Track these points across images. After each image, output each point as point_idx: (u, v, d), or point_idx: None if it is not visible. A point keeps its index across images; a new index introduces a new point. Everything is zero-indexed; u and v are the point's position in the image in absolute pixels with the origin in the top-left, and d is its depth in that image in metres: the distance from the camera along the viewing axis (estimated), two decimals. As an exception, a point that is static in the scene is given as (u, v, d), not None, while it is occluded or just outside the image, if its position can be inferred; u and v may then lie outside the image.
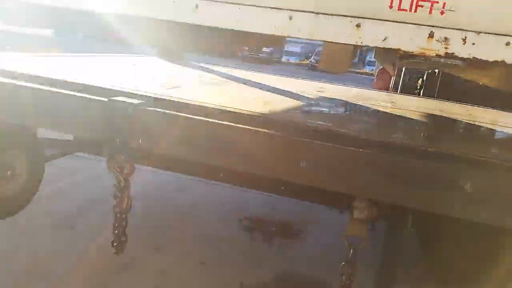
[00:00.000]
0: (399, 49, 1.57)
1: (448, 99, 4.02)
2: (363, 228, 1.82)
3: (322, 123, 1.83)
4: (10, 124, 2.11)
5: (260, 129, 1.67)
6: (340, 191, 1.64)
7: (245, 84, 3.08)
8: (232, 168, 1.74)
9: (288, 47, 34.49)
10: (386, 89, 6.34)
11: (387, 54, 1.69)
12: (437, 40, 1.53)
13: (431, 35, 1.55)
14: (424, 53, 1.56)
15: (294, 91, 2.97)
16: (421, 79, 4.95)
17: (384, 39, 1.56)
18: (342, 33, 1.57)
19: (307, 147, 1.59)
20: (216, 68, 4.15)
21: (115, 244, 1.95)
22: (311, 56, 32.31)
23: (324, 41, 1.60)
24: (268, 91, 2.85)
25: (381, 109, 2.67)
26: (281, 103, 2.34)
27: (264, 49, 29.25)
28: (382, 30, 1.55)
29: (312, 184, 1.63)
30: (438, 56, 1.54)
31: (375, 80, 7.05)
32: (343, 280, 1.88)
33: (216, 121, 1.71)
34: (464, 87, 4.77)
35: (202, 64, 4.26)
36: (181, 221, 3.70)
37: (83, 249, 3.05)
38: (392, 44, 1.56)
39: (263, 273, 3.04)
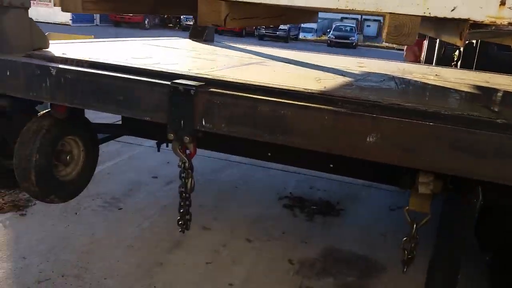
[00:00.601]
0: (468, 19, 1.53)
1: (485, 70, 3.91)
2: (426, 203, 1.81)
3: (385, 97, 1.81)
4: (66, 111, 2.17)
5: (323, 106, 1.67)
6: (407, 166, 1.64)
7: (285, 62, 3.06)
8: (295, 147, 1.75)
9: (304, 24, 33.83)
10: (417, 61, 6.22)
11: (454, 25, 1.65)
12: (510, 8, 1.48)
13: (502, 3, 1.49)
14: (494, 22, 1.51)
15: (337, 67, 2.94)
16: (458, 50, 4.82)
17: (453, 9, 1.52)
18: (409, 4, 1.53)
19: (374, 123, 1.58)
20: (243, 46, 4.13)
21: (180, 222, 2.01)
22: (329, 31, 31.64)
23: (390, 13, 1.57)
24: (312, 68, 2.83)
25: (430, 82, 2.62)
26: (332, 80, 2.32)
27: (281, 26, 28.76)
28: (450, 0, 1.51)
29: (379, 160, 1.62)
30: (510, 24, 1.49)
31: (405, 53, 6.92)
32: (405, 255, 1.89)
33: (279, 99, 1.72)
34: (499, 57, 4.64)
35: (230, 44, 4.24)
36: (225, 201, 3.77)
37: (135, 229, 3.16)
38: (461, 14, 1.52)
39: (310, 249, 3.09)
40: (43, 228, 3.05)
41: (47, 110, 2.16)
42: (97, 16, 26.07)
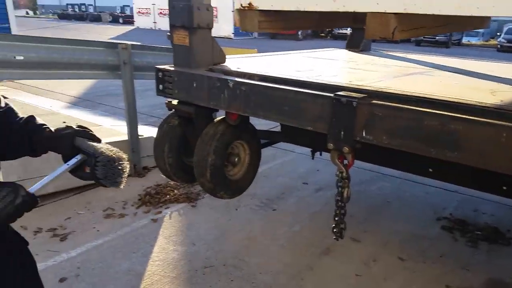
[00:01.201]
0: None
1: None
2: None
3: None
4: (238, 118, 2.43)
5: (501, 122, 1.52)
6: None
7: (452, 71, 2.85)
8: (464, 164, 1.64)
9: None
10: None
11: None
12: None
13: None
14: None
15: (514, 77, 2.62)
16: None
17: None
18: None
19: None
20: (402, 54, 3.96)
21: (334, 230, 2.07)
22: (500, 35, 27.58)
23: None
24: (484, 78, 2.57)
25: None
26: (510, 92, 2.09)
27: (442, 30, 26.24)
28: None
29: None
30: None
31: None
32: None
33: (447, 113, 1.63)
34: None
35: (388, 52, 4.11)
36: (376, 214, 3.69)
37: (287, 230, 3.35)
38: None
39: (471, 278, 2.80)
40: (209, 219, 3.48)
41: (221, 117, 2.47)
42: (255, 30, 28.11)
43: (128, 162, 1.27)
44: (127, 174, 1.26)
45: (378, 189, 4.24)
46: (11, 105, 1.34)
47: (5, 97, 1.38)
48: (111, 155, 1.22)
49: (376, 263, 2.95)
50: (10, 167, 2.54)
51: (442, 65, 3.20)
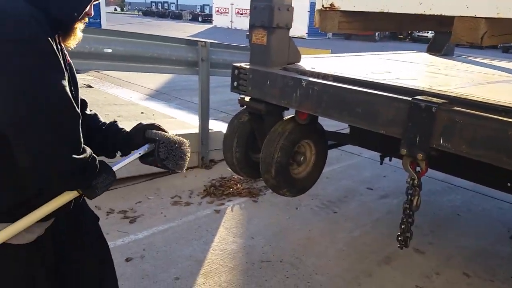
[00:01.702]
0: None
1: None
2: None
3: None
4: (307, 118, 2.43)
5: None
6: None
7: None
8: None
9: None
10: None
11: None
12: None
13: None
14: None
15: None
16: None
17: None
18: None
19: None
20: (487, 61, 3.70)
21: (399, 238, 2.00)
22: None
23: None
24: None
25: None
26: None
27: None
28: None
29: None
30: None
31: None
32: None
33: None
34: None
35: (472, 58, 3.86)
36: (443, 227, 3.50)
37: (346, 234, 3.29)
38: None
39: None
40: (269, 215, 3.52)
41: (291, 116, 2.49)
42: (329, 30, 27.71)
43: (189, 147, 1.38)
44: (188, 158, 1.37)
45: (448, 201, 4.01)
46: (96, 111, 1.50)
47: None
48: (173, 139, 1.34)
49: (439, 276, 2.81)
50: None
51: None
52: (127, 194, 3.70)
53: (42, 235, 1.26)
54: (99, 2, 11.30)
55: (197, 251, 2.94)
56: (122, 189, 3.76)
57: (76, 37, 1.23)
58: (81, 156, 1.11)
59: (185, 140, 1.38)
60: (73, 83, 1.23)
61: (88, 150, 1.16)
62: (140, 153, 1.36)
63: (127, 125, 1.50)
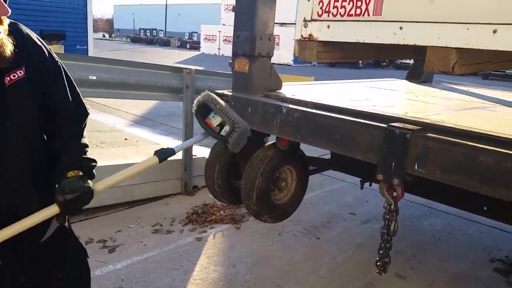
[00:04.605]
0: None
1: None
2: None
3: None
4: (288, 144, 2.46)
5: None
6: None
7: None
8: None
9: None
10: None
11: None
12: None
13: None
14: None
15: None
16: None
17: None
18: None
19: None
20: (465, 88, 3.82)
21: (378, 263, 2.00)
22: None
23: None
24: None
25: None
26: None
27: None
28: None
29: None
30: None
31: None
32: None
33: (504, 150, 1.56)
34: None
35: (451, 85, 3.99)
36: (425, 251, 3.51)
37: (329, 260, 3.27)
38: None
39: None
40: (251, 242, 3.48)
41: (272, 142, 2.51)
42: (313, 57, 28.27)
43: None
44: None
45: (429, 225, 4.03)
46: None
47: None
48: (246, 127, 1.52)
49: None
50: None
51: (507, 101, 3.05)
52: (106, 223, 3.62)
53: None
54: (86, 27, 11.40)
55: (177, 281, 2.88)
56: (101, 218, 3.69)
57: None
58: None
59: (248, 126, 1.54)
60: None
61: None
62: (199, 139, 1.57)
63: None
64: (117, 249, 3.23)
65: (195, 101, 1.55)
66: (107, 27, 67.39)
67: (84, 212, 3.54)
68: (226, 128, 1.46)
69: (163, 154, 1.45)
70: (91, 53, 11.56)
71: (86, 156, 1.39)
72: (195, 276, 2.95)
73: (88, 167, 1.37)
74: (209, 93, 1.54)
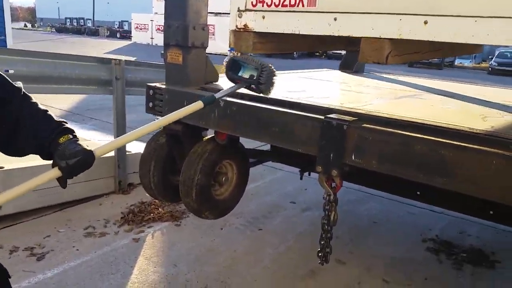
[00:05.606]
0: None
1: None
2: None
3: None
4: (227, 138, 2.39)
5: (491, 149, 1.51)
6: None
7: (443, 95, 2.86)
8: (454, 191, 1.61)
9: (465, 53, 30.60)
10: None
11: None
12: None
13: None
14: None
15: (505, 102, 2.63)
16: None
17: None
18: None
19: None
20: (394, 77, 4.00)
21: (320, 254, 2.02)
22: (491, 58, 28.20)
23: None
24: (475, 103, 2.59)
25: None
26: (501, 118, 2.09)
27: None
28: None
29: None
30: None
31: None
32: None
33: (437, 138, 1.62)
34: None
35: (381, 75, 4.15)
36: (362, 236, 3.65)
37: (272, 251, 3.28)
38: None
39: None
40: (192, 239, 3.39)
41: (211, 136, 2.43)
42: (250, 47, 28.40)
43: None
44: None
45: (365, 210, 4.20)
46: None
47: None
48: (271, 67, 1.61)
49: (361, 286, 2.89)
50: None
51: (434, 88, 3.22)
52: (33, 228, 3.33)
53: None
54: (4, 18, 10.40)
55: (114, 286, 2.72)
56: (27, 223, 3.38)
57: None
58: None
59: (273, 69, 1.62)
60: None
61: None
62: (237, 87, 1.65)
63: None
64: (46, 256, 2.98)
65: (224, 62, 1.63)
66: (29, 16, 62.30)
67: (3, 219, 3.22)
68: (255, 73, 1.60)
69: (207, 99, 1.52)
70: (10, 45, 10.58)
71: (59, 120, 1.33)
72: (134, 279, 2.81)
73: (70, 129, 1.31)
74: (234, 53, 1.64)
